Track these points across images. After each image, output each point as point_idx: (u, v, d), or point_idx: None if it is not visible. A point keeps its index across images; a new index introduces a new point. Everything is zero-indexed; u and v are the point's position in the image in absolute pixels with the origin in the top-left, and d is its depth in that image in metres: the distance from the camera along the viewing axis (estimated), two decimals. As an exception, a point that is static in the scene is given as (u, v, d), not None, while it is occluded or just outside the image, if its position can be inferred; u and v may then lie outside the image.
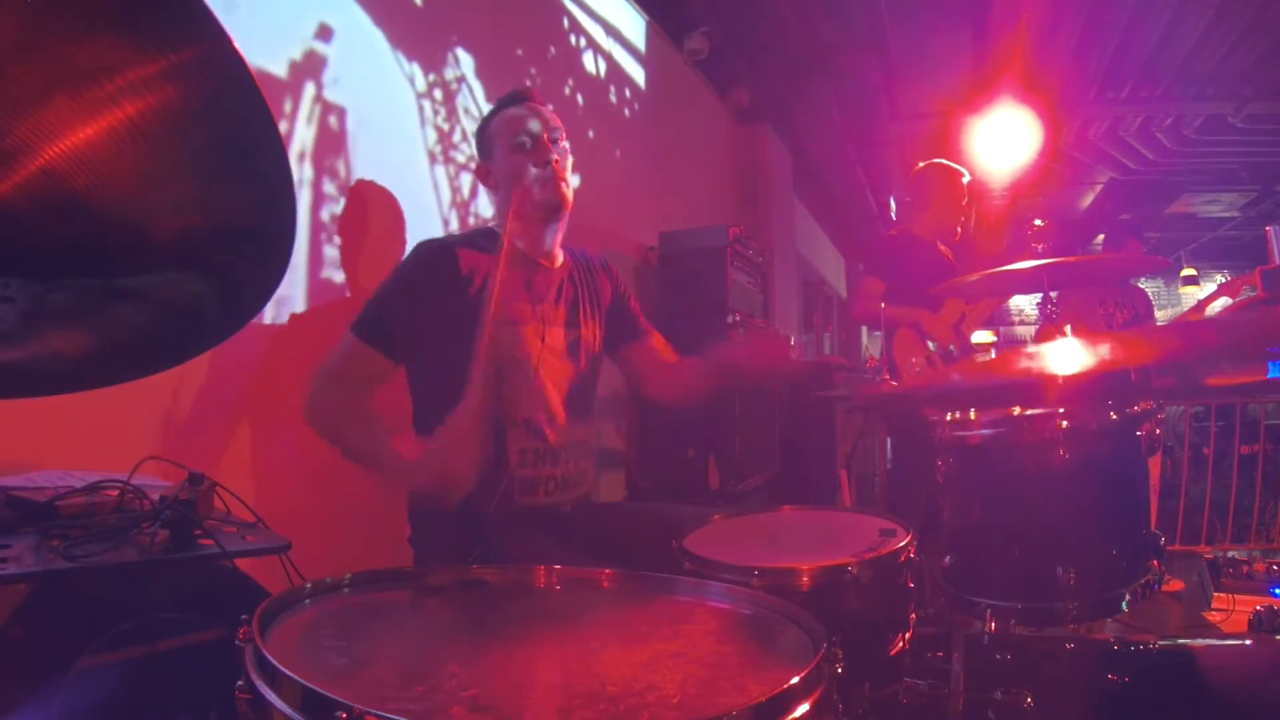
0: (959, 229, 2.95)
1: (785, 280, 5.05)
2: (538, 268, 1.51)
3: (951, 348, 2.72)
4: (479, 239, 1.47)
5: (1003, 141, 4.78)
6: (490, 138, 1.53)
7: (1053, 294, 1.88)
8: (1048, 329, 3.40)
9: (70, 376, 0.53)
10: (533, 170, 1.46)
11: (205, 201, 0.43)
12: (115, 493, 0.99)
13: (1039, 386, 1.22)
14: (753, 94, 4.45)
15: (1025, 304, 11.87)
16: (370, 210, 1.84)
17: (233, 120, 0.39)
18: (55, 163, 0.36)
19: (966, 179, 2.92)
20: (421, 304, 1.37)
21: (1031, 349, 0.93)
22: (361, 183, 1.80)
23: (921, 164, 3.02)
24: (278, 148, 0.40)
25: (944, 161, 2.98)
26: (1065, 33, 4.21)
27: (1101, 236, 3.78)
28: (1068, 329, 3.45)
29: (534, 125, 1.48)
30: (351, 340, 1.37)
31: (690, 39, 3.75)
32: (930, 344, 2.75)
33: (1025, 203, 7.11)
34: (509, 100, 1.55)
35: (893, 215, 7.55)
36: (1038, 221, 2.22)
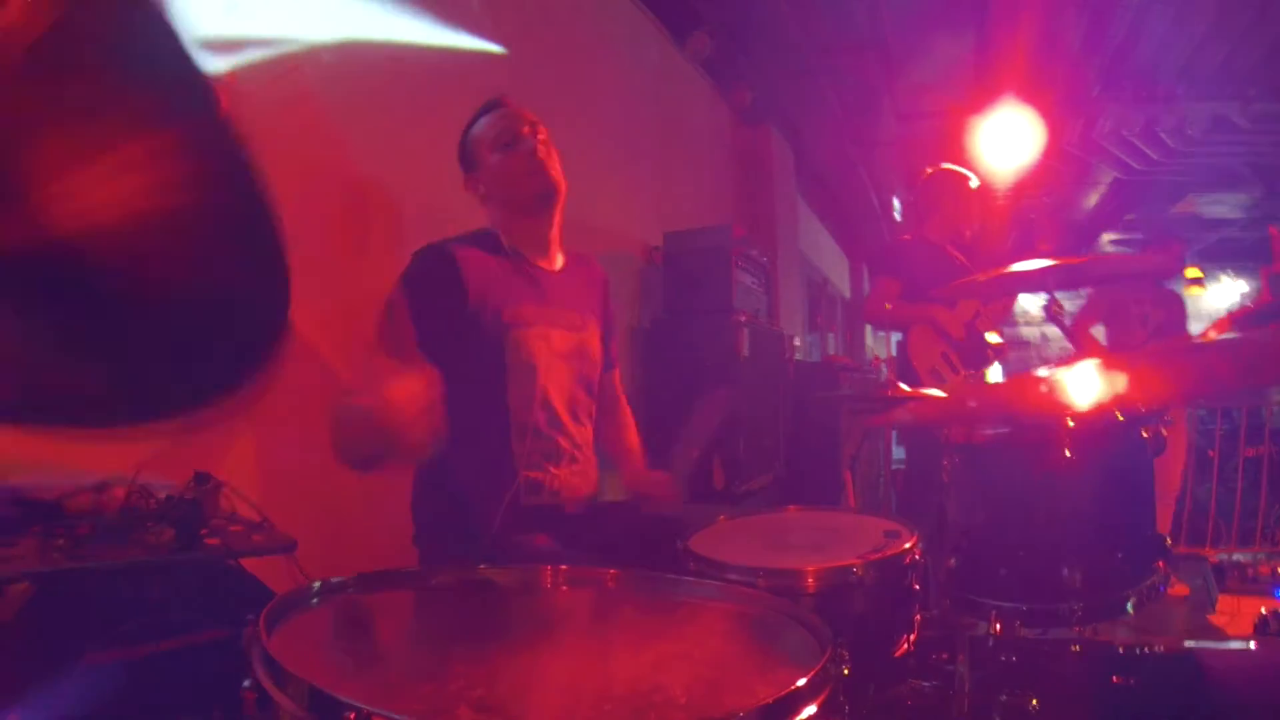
0: (968, 232, 2.96)
1: (789, 280, 5.04)
2: (539, 270, 1.51)
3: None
4: (478, 240, 1.47)
5: (1006, 141, 4.77)
6: (473, 147, 1.53)
7: (1056, 294, 1.87)
8: (1083, 324, 3.42)
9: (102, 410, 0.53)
10: (519, 162, 1.47)
11: (204, 277, 0.43)
12: (122, 492, 0.99)
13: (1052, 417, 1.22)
14: (755, 94, 4.44)
15: (1030, 305, 11.84)
16: (369, 214, 1.84)
17: (232, 197, 0.40)
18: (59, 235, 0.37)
19: (975, 183, 2.93)
20: (429, 309, 1.34)
21: (1046, 373, 0.93)
22: (362, 188, 1.80)
23: (930, 169, 3.03)
24: (273, 223, 0.41)
25: (952, 166, 2.98)
26: (1068, 32, 4.20)
27: (1106, 237, 3.80)
28: (1100, 328, 3.47)
29: (514, 124, 1.50)
30: (373, 360, 1.32)
31: (692, 38, 3.75)
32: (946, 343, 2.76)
33: (1029, 203, 7.10)
34: (484, 110, 1.55)
35: (896, 216, 7.55)
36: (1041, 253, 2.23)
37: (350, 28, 1.82)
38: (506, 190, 1.50)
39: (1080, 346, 3.42)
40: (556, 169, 1.50)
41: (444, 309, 1.36)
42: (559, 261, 1.56)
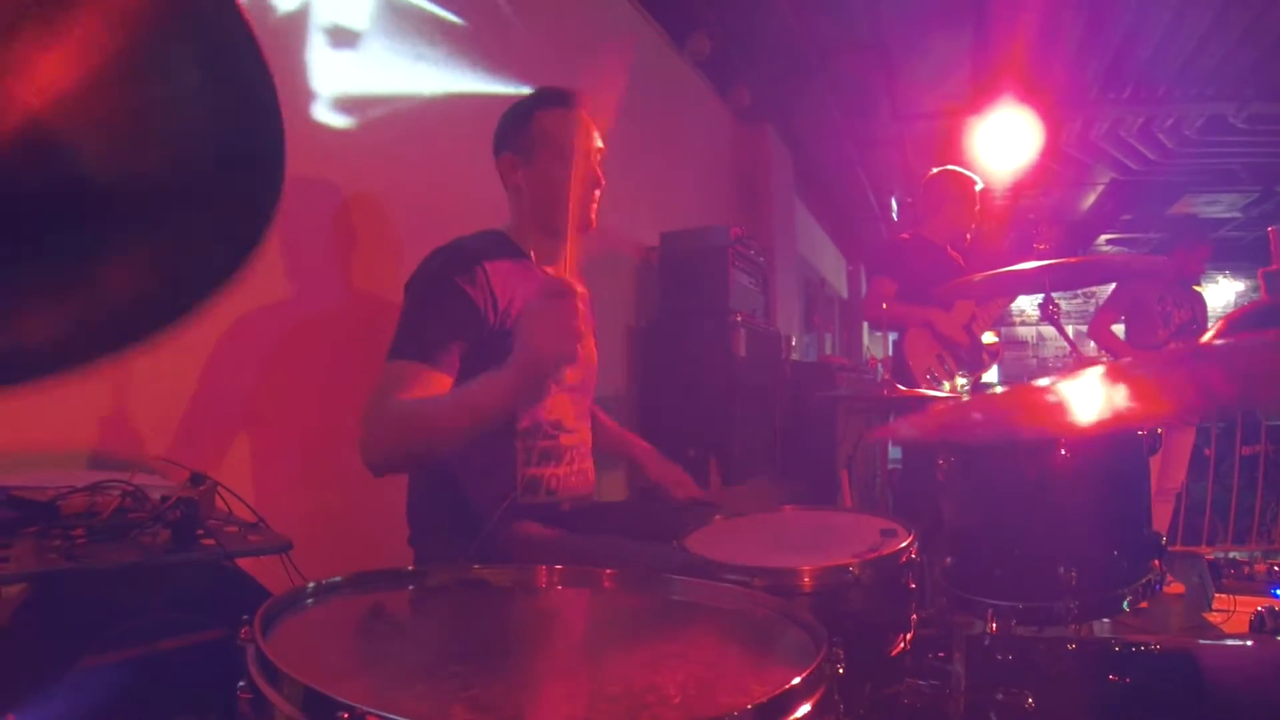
0: (968, 235, 2.97)
1: (786, 280, 5.05)
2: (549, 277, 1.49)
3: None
4: (492, 243, 1.43)
5: (1004, 142, 4.78)
6: (532, 136, 1.43)
7: (1054, 294, 1.87)
8: (1104, 320, 3.44)
9: (58, 355, 0.50)
10: (577, 191, 1.38)
11: (189, 132, 0.40)
12: (117, 492, 0.99)
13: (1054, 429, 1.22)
14: (753, 94, 4.45)
15: (1027, 305, 11.86)
16: (358, 216, 1.84)
17: (215, 42, 0.37)
18: (32, 108, 0.34)
19: (979, 186, 2.93)
20: (463, 312, 1.30)
21: (1047, 383, 0.92)
22: (351, 193, 1.80)
23: (935, 170, 3.02)
24: (260, 63, 0.38)
25: (957, 169, 2.97)
26: (1066, 33, 4.20)
27: (1103, 237, 3.83)
28: (1121, 325, 3.49)
29: (590, 144, 1.42)
30: (406, 366, 1.23)
31: (691, 39, 3.75)
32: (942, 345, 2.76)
33: (1027, 203, 7.11)
34: (560, 100, 1.44)
35: (894, 216, 7.56)
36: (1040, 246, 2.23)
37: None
38: (551, 206, 1.43)
39: (1100, 342, 3.44)
40: (597, 208, 1.47)
41: (480, 320, 1.32)
42: (564, 271, 1.55)
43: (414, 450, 1.21)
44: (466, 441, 1.21)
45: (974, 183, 2.93)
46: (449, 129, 2.04)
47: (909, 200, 7.04)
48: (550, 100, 1.45)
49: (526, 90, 1.58)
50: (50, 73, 0.34)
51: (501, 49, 2.29)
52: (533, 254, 1.47)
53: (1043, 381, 0.95)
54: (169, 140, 0.40)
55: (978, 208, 2.94)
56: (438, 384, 1.25)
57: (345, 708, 0.51)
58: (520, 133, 1.46)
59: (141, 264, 0.44)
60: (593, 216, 1.46)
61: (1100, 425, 1.06)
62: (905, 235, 3.07)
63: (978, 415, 1.15)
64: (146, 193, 0.42)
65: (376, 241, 1.89)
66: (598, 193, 1.46)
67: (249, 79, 0.38)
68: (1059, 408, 0.87)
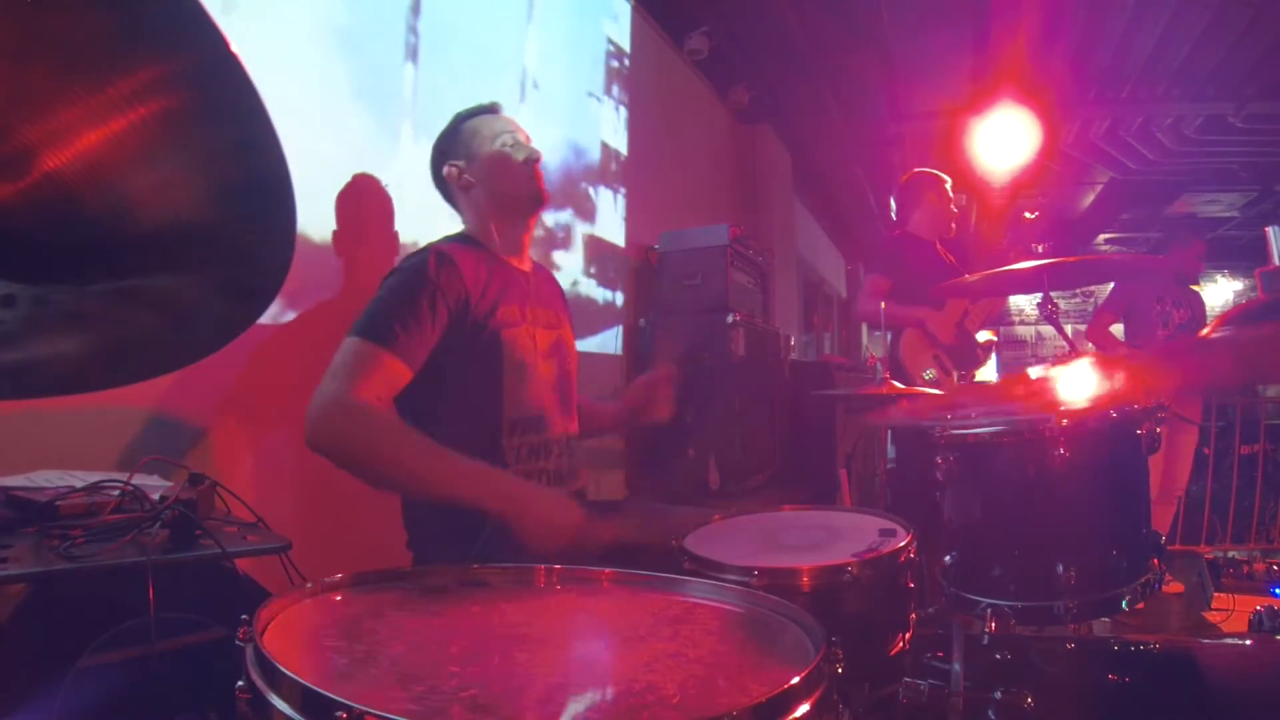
0: (953, 226, 3.03)
1: (785, 280, 5.05)
2: (515, 271, 1.53)
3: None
4: (466, 243, 1.49)
5: (1003, 141, 4.78)
6: (465, 140, 1.54)
7: (1052, 293, 1.87)
8: (1102, 321, 3.47)
9: (74, 378, 0.52)
10: (519, 164, 1.50)
11: (206, 205, 0.43)
12: (115, 493, 0.99)
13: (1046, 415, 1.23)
14: (753, 94, 4.45)
15: (1025, 304, 11.88)
16: (365, 209, 1.84)
17: (232, 124, 0.39)
18: (59, 167, 0.36)
19: (949, 183, 3.00)
20: (435, 306, 1.33)
21: (1040, 372, 0.93)
22: (355, 179, 1.81)
23: (904, 176, 3.17)
24: (276, 151, 0.40)
25: (927, 170, 3.09)
26: (1065, 33, 4.21)
27: (1102, 236, 3.84)
28: (1120, 326, 3.51)
29: (517, 131, 1.55)
30: (364, 346, 1.24)
31: (690, 38, 3.75)
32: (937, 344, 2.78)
33: (1025, 202, 7.12)
34: (483, 109, 1.58)
35: (893, 215, 7.56)
36: (1028, 215, 2.23)
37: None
38: (501, 185, 1.51)
39: (1098, 343, 3.46)
40: (543, 179, 1.55)
41: (453, 313, 1.36)
42: (529, 263, 1.60)
43: (362, 462, 1.21)
44: (410, 493, 1.28)
45: (944, 181, 3.04)
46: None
47: (896, 201, 7.05)
48: (474, 111, 1.58)
49: (521, 92, 1.59)
50: (77, 140, 0.36)
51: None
52: (497, 246, 1.53)
53: (1036, 369, 0.95)
54: (176, 212, 0.42)
55: (953, 202, 3.01)
56: (395, 372, 1.27)
57: (343, 707, 0.51)
58: (454, 141, 1.56)
59: (150, 312, 0.47)
60: (542, 187, 1.54)
61: (1094, 407, 1.06)
62: (897, 234, 3.11)
63: (968, 399, 1.15)
64: (155, 252, 0.44)
65: (376, 241, 1.88)
66: (539, 165, 1.54)
67: (264, 173, 0.40)
68: (1050, 390, 0.87)
